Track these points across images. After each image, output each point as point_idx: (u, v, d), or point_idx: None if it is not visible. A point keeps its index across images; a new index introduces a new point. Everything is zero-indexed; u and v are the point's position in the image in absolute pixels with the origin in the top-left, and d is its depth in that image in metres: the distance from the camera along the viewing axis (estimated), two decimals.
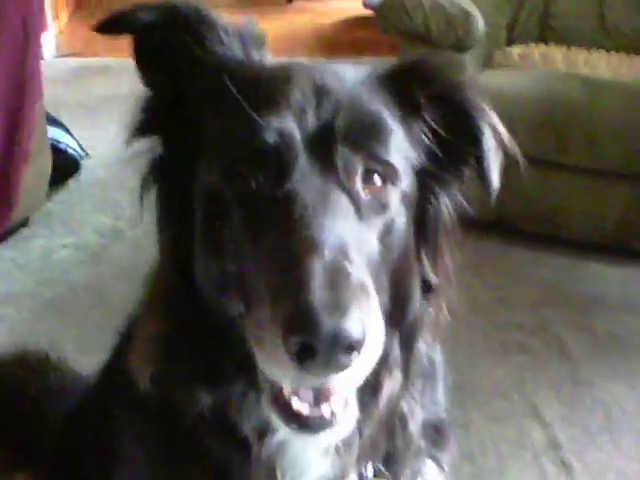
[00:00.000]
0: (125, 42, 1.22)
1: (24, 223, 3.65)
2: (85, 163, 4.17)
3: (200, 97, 1.18)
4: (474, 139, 1.18)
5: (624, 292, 3.43)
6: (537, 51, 4.09)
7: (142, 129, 1.21)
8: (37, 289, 3.27)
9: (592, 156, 3.54)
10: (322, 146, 1.08)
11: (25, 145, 3.33)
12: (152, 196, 1.24)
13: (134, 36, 1.21)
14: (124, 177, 1.16)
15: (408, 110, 1.17)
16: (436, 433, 1.39)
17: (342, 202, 1.06)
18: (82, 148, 4.16)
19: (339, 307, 0.91)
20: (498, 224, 3.72)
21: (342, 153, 1.08)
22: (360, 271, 1.00)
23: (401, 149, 1.15)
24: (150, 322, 1.22)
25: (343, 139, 1.08)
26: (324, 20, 7.78)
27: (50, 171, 3.74)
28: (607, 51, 4.16)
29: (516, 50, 4.11)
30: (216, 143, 1.14)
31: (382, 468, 1.29)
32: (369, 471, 1.27)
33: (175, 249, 1.20)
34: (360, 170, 1.10)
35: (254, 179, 1.08)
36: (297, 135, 1.08)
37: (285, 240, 1.00)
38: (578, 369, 2.95)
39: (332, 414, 1.05)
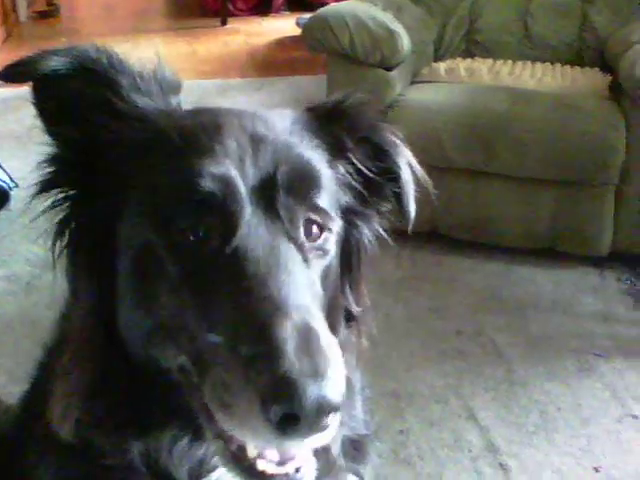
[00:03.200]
0: None
1: None
2: (15, 193, 4.11)
3: (121, 149, 1.13)
4: (393, 176, 1.24)
5: (556, 294, 3.51)
6: (463, 65, 4.17)
7: (51, 183, 1.15)
8: None
9: (519, 164, 3.63)
10: (265, 196, 1.07)
11: None
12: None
13: (35, 86, 1.14)
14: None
15: (335, 153, 1.21)
16: (355, 449, 1.38)
17: (292, 253, 1.06)
18: (12, 179, 4.10)
19: (319, 375, 0.91)
20: (432, 235, 3.78)
21: (285, 204, 1.08)
22: (322, 324, 1.00)
23: (332, 194, 1.18)
24: (70, 374, 1.16)
25: (285, 190, 1.08)
26: (258, 41, 7.83)
27: None
28: (532, 62, 4.26)
29: (443, 65, 4.19)
30: (145, 197, 1.10)
31: None
32: None
33: (93, 300, 1.15)
34: (302, 220, 1.11)
35: (193, 232, 1.05)
36: (240, 184, 1.06)
37: (245, 301, 0.98)
38: (513, 370, 3.00)
39: (296, 470, 1.05)
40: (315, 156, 1.16)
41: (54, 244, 1.16)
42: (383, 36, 3.72)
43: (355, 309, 1.28)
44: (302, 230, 1.10)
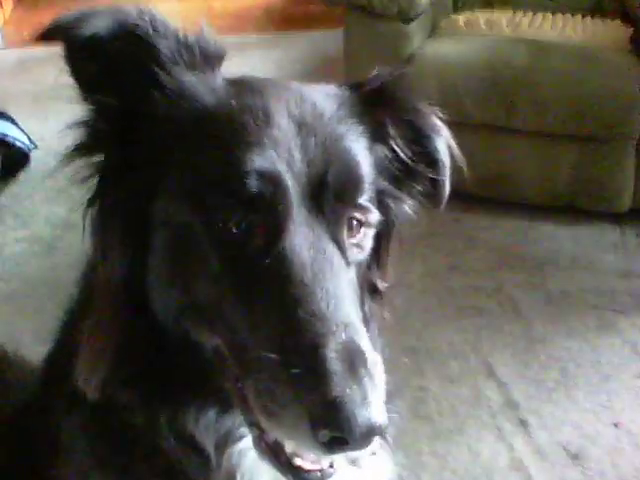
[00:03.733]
0: None
1: None
2: (35, 154, 4.10)
3: (162, 124, 1.09)
4: (432, 160, 1.24)
5: (576, 251, 3.49)
6: (482, 17, 4.08)
7: (85, 149, 1.11)
8: None
9: (540, 119, 3.58)
10: (314, 198, 1.05)
11: None
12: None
13: (71, 48, 1.07)
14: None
15: (376, 138, 1.19)
16: None
17: (337, 259, 1.06)
18: (31, 140, 4.10)
19: (369, 400, 0.92)
20: (451, 191, 3.74)
21: (333, 207, 1.07)
22: (366, 339, 1.01)
23: (373, 184, 1.16)
24: (96, 336, 1.16)
25: (334, 193, 1.07)
26: None
27: None
28: (552, 13, 4.17)
29: (462, 17, 4.11)
30: (186, 179, 1.07)
31: None
32: None
33: (123, 267, 1.12)
34: (346, 221, 1.10)
35: (237, 227, 1.03)
36: (289, 184, 1.04)
37: (293, 312, 0.98)
38: (532, 327, 3.01)
39: (330, 465, 1.06)
40: (361, 150, 1.14)
41: (86, 212, 1.14)
42: None
43: (380, 284, 1.29)
44: (345, 232, 1.10)
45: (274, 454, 1.06)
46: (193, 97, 1.10)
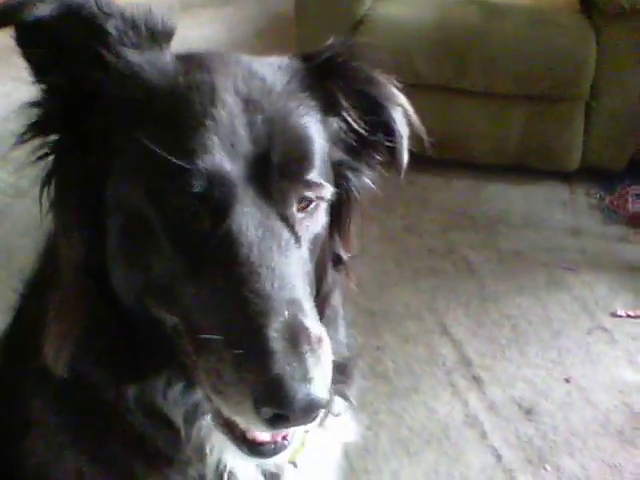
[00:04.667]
0: None
1: None
2: None
3: (110, 105, 1.09)
4: (389, 129, 1.22)
5: (526, 210, 3.55)
6: None
7: (38, 129, 1.11)
8: None
9: (490, 79, 3.61)
10: (259, 179, 1.06)
11: None
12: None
13: (19, 33, 1.07)
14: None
15: (330, 110, 1.18)
16: (340, 373, 1.40)
17: (285, 237, 1.06)
18: None
19: (309, 376, 0.94)
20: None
21: (279, 184, 1.07)
22: (312, 316, 1.02)
23: (325, 158, 1.16)
24: (63, 315, 1.17)
25: (279, 172, 1.07)
26: None
27: None
28: None
29: None
30: (134, 162, 1.07)
31: None
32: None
33: (84, 247, 1.13)
34: (295, 197, 1.10)
35: (186, 209, 1.04)
36: (233, 170, 1.04)
37: (238, 292, 0.99)
38: (485, 286, 3.07)
39: (284, 437, 1.08)
40: (312, 125, 1.13)
41: (42, 191, 1.13)
42: None
43: (344, 254, 1.30)
44: (295, 207, 1.10)
45: (229, 428, 1.08)
46: (140, 77, 1.09)
